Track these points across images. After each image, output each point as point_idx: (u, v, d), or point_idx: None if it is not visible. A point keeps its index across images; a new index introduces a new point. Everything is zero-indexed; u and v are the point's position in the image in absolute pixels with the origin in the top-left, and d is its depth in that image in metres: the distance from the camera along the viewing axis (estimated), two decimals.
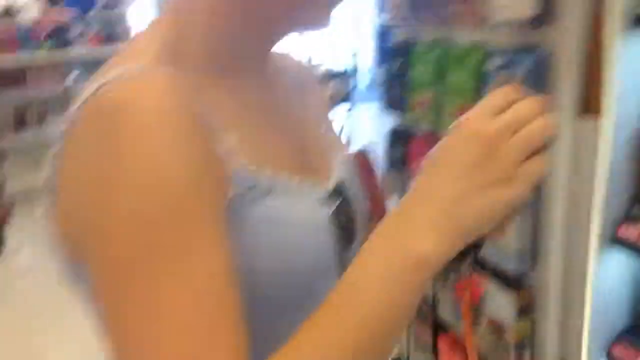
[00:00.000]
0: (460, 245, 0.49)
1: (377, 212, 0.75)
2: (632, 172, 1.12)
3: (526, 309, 1.29)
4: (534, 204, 1.24)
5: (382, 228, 0.50)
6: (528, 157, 0.49)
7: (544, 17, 1.12)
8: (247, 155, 0.56)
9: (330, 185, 0.67)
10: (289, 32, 0.65)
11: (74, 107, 0.51)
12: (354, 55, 5.60)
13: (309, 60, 5.05)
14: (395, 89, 1.61)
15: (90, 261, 0.49)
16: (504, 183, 0.48)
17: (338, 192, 0.67)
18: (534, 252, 1.28)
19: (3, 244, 3.65)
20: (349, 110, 4.84)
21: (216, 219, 0.49)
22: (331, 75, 4.75)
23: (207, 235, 0.47)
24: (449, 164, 0.49)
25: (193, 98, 0.51)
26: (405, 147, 1.65)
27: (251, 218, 0.55)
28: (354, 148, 0.80)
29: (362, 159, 0.78)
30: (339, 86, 4.68)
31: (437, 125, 1.44)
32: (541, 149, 0.50)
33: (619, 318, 1.22)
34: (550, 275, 1.26)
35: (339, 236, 0.64)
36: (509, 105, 0.50)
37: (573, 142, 1.18)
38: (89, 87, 0.50)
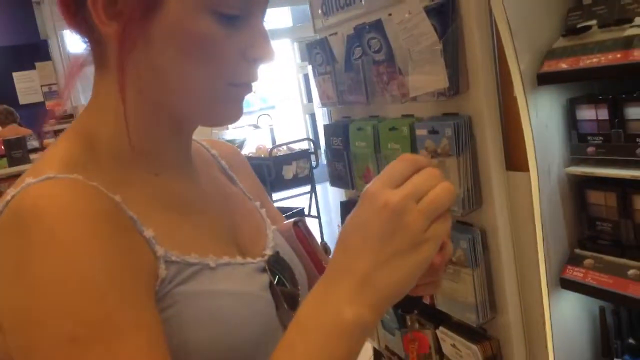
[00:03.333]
0: (385, 308, 0.53)
1: (322, 274, 0.80)
2: (567, 217, 1.19)
3: (492, 358, 1.32)
4: (484, 257, 1.30)
5: (312, 300, 0.54)
6: (433, 220, 0.53)
7: (457, 87, 1.21)
8: (170, 243, 0.60)
9: (265, 256, 0.71)
10: (201, 125, 0.69)
11: None
12: (310, 138, 5.78)
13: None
14: (340, 165, 1.68)
15: None
16: (413, 248, 0.52)
17: (274, 262, 0.72)
18: (492, 303, 1.33)
19: None
20: (311, 189, 4.95)
21: (140, 301, 0.53)
22: (293, 156, 4.88)
23: (131, 320, 0.51)
24: (362, 237, 0.53)
25: (103, 196, 0.56)
26: None
27: (185, 295, 0.58)
28: (288, 220, 0.85)
29: (297, 229, 0.82)
30: (302, 166, 4.80)
31: None
32: (444, 211, 0.54)
33: (580, 353, 1.25)
34: (511, 323, 1.30)
35: (279, 301, 0.68)
36: (409, 174, 0.54)
37: (507, 195, 1.26)
38: (3, 199, 0.55)
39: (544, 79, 1.08)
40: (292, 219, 0.85)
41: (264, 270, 0.69)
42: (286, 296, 0.69)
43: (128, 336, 0.50)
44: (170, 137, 0.68)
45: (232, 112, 0.65)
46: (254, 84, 0.66)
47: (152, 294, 0.56)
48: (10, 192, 0.54)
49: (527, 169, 1.14)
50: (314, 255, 0.82)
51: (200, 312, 0.59)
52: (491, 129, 1.21)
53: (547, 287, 1.17)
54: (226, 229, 0.71)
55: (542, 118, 1.10)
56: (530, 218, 1.18)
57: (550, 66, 1.07)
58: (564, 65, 1.05)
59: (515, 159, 1.22)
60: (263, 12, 0.63)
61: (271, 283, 0.69)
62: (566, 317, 1.22)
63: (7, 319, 0.52)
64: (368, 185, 0.54)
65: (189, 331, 0.57)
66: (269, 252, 0.73)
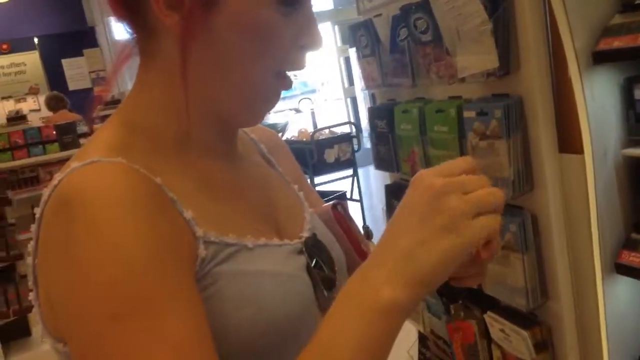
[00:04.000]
0: (423, 291, 0.52)
1: (361, 256, 0.80)
2: (623, 201, 1.15)
3: (542, 344, 1.30)
4: (535, 241, 1.27)
5: (353, 279, 0.54)
6: (481, 213, 0.52)
7: (508, 66, 1.18)
8: (208, 224, 0.61)
9: (302, 238, 0.72)
10: (239, 127, 0.72)
11: (41, 204, 0.58)
12: (352, 121, 5.75)
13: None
14: (385, 148, 1.66)
15: (69, 341, 0.54)
16: (454, 231, 0.51)
17: (311, 244, 0.72)
18: (543, 288, 1.30)
19: (29, 334, 3.68)
20: (353, 172, 4.94)
21: (181, 280, 0.54)
22: (336, 140, 4.87)
23: (173, 298, 0.52)
24: (405, 218, 0.53)
25: (145, 178, 0.58)
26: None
27: (224, 274, 0.60)
28: (327, 203, 0.86)
29: (335, 212, 0.83)
30: (344, 150, 4.78)
31: None
32: (493, 212, 0.53)
33: (635, 342, 1.22)
34: (563, 309, 1.27)
35: (317, 283, 0.69)
36: (462, 171, 0.54)
37: (560, 177, 1.23)
38: (51, 184, 0.57)
39: (600, 58, 1.04)
40: (331, 202, 0.85)
41: (301, 251, 0.70)
42: (323, 280, 0.70)
43: (169, 313, 0.51)
44: (217, 128, 0.69)
45: (267, 108, 0.67)
46: (295, 72, 0.67)
47: (192, 273, 0.57)
48: (58, 177, 0.57)
49: (581, 152, 1.11)
50: (353, 237, 0.82)
51: (239, 291, 0.60)
52: (543, 110, 1.18)
53: (602, 272, 1.13)
54: (264, 212, 0.72)
55: (598, 98, 1.07)
56: (584, 201, 1.14)
57: (607, 44, 1.03)
58: (620, 43, 1.01)
59: (568, 141, 1.18)
60: None
61: (308, 265, 0.69)
62: (621, 303, 1.19)
63: (55, 295, 0.55)
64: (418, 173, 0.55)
65: (228, 309, 0.59)
66: (306, 234, 0.74)
